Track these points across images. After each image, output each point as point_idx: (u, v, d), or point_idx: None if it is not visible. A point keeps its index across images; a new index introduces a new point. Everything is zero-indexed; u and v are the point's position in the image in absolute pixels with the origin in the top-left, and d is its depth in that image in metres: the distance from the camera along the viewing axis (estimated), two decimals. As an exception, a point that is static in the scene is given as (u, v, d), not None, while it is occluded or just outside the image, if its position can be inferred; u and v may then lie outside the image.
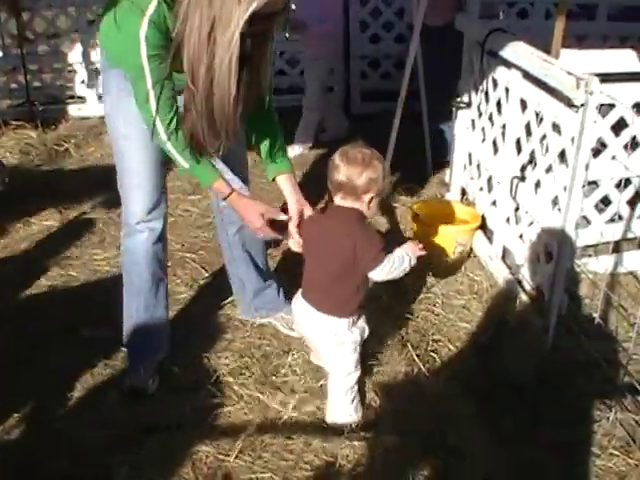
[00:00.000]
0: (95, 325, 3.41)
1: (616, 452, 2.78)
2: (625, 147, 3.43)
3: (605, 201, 3.70)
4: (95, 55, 6.24)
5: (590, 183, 3.43)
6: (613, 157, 3.48)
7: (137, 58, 2.41)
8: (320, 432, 2.81)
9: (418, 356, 3.24)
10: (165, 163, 2.91)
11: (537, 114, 3.50)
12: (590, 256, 3.74)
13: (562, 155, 3.28)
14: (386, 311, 3.52)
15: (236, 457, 2.69)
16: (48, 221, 4.46)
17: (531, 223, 3.66)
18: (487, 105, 4.13)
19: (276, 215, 2.79)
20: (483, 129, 4.23)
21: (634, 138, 3.45)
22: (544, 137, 3.46)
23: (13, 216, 4.42)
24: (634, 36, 5.96)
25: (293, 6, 4.85)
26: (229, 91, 2.34)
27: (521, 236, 3.78)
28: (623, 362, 3.13)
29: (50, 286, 3.80)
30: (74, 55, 6.42)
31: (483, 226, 4.18)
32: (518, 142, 3.76)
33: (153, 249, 3.03)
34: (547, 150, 3.43)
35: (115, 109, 2.82)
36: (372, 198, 2.67)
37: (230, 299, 3.60)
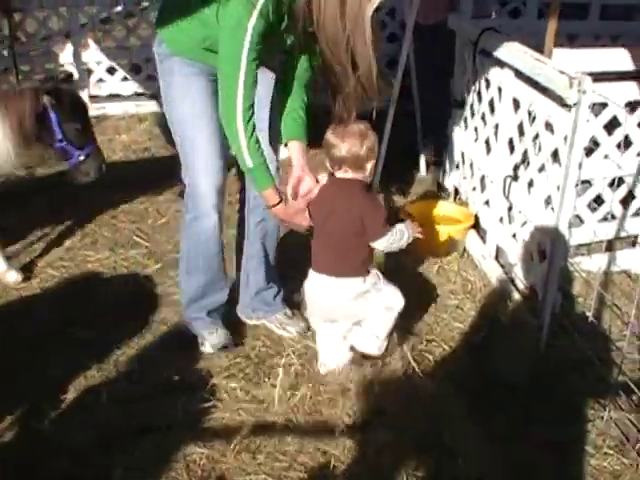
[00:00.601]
0: (88, 326, 3.40)
1: (610, 451, 2.78)
2: (618, 146, 3.44)
3: (598, 200, 3.70)
4: (86, 55, 6.23)
5: (583, 182, 3.44)
6: (606, 156, 3.49)
7: (239, 48, 2.63)
8: (313, 433, 2.81)
9: (412, 356, 3.23)
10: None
11: (530, 113, 3.51)
12: (583, 255, 3.75)
13: (555, 154, 3.28)
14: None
15: (230, 458, 2.68)
16: (40, 222, 4.44)
17: (524, 222, 3.66)
18: (480, 104, 4.13)
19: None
20: (476, 128, 4.23)
21: (627, 137, 3.46)
22: (537, 136, 3.46)
23: (6, 217, 4.39)
24: (626, 35, 5.98)
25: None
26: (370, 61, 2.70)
27: (514, 235, 3.78)
28: (617, 361, 3.13)
29: (42, 288, 3.78)
30: (65, 56, 6.40)
31: (476, 225, 4.18)
32: (511, 141, 3.76)
33: (220, 230, 3.20)
34: (540, 149, 3.44)
35: (181, 93, 3.00)
36: (372, 165, 2.91)
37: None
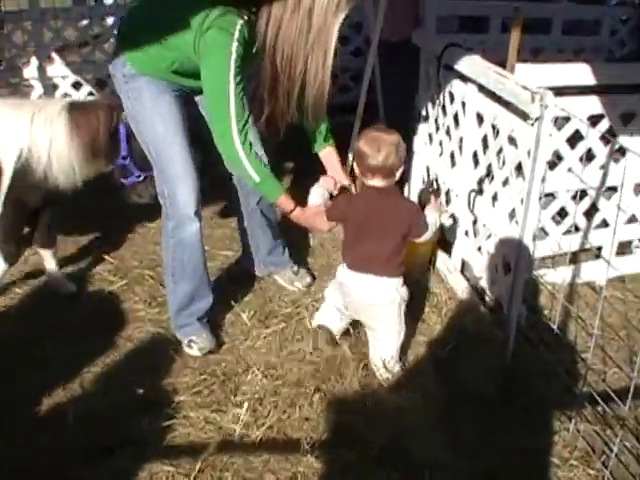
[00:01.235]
0: (53, 344, 3.37)
1: (576, 463, 2.81)
2: (580, 159, 3.48)
3: (562, 213, 3.74)
4: (51, 70, 6.17)
5: (547, 195, 3.48)
6: (569, 169, 3.53)
7: (224, 73, 2.75)
8: (279, 450, 2.80)
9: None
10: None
11: (494, 127, 3.53)
12: (548, 267, 3.79)
13: (519, 168, 3.31)
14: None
15: (196, 477, 2.66)
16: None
17: (489, 236, 3.68)
18: (444, 119, 4.15)
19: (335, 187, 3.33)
20: (440, 142, 4.25)
21: (589, 150, 3.50)
22: (501, 150, 3.49)
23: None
24: (588, 49, 6.09)
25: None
26: (324, 79, 2.83)
27: (479, 249, 3.80)
28: (582, 372, 3.16)
29: (5, 305, 3.72)
30: (30, 70, 6.33)
31: (442, 239, 4.20)
32: (475, 155, 3.78)
33: (201, 236, 3.29)
34: (504, 163, 3.46)
35: (151, 112, 3.07)
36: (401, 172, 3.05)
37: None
